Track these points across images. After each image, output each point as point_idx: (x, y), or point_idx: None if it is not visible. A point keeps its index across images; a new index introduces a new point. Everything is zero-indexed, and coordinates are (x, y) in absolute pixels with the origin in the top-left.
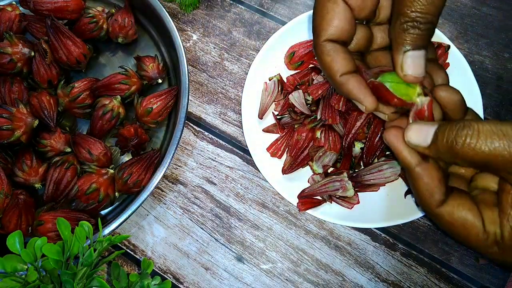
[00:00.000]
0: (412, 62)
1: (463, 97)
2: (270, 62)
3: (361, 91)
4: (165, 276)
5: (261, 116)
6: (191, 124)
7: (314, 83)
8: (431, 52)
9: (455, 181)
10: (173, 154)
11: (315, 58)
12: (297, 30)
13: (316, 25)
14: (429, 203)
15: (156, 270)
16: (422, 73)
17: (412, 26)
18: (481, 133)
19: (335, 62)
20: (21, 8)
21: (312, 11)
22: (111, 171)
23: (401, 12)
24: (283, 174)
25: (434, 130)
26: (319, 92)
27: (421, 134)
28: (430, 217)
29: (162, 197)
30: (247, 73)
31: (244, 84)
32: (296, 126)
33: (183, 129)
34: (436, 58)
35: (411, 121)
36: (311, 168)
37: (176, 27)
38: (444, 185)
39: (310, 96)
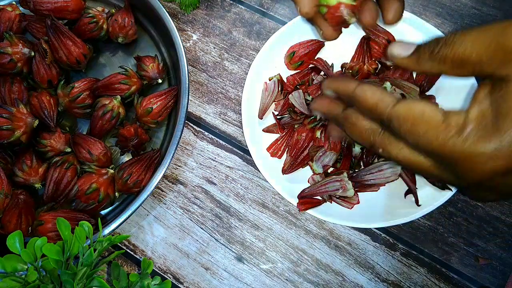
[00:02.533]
0: (395, 12)
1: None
2: (270, 62)
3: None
4: (165, 276)
5: (261, 116)
6: (191, 124)
7: (314, 83)
8: None
9: None
10: (173, 154)
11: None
12: (297, 30)
13: None
14: (383, 106)
15: (156, 270)
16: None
17: None
18: (456, 38)
19: None
20: (21, 8)
21: None
22: (111, 171)
23: None
24: (283, 174)
25: (415, 45)
26: (319, 92)
27: (403, 46)
28: (388, 127)
29: (162, 197)
30: (247, 73)
31: (244, 84)
32: (296, 126)
33: (183, 129)
34: None
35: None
36: (311, 168)
37: (176, 27)
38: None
39: (310, 96)
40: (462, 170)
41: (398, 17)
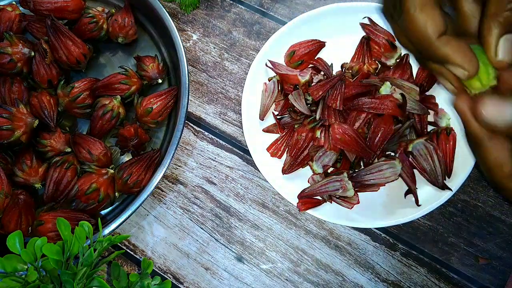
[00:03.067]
0: (509, 47)
1: None
2: None
3: (465, 54)
4: (165, 276)
5: (262, 117)
6: (191, 124)
7: (314, 83)
8: None
9: None
10: (173, 154)
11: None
12: (297, 30)
13: None
14: (499, 175)
15: (156, 270)
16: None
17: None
18: None
19: (432, 21)
20: (21, 8)
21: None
22: (111, 171)
23: None
24: (283, 174)
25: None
26: (320, 93)
27: (498, 111)
28: (498, 190)
29: (162, 197)
30: (247, 73)
31: (244, 84)
32: (296, 126)
33: (183, 129)
34: None
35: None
36: (311, 168)
37: (176, 27)
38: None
39: (310, 96)
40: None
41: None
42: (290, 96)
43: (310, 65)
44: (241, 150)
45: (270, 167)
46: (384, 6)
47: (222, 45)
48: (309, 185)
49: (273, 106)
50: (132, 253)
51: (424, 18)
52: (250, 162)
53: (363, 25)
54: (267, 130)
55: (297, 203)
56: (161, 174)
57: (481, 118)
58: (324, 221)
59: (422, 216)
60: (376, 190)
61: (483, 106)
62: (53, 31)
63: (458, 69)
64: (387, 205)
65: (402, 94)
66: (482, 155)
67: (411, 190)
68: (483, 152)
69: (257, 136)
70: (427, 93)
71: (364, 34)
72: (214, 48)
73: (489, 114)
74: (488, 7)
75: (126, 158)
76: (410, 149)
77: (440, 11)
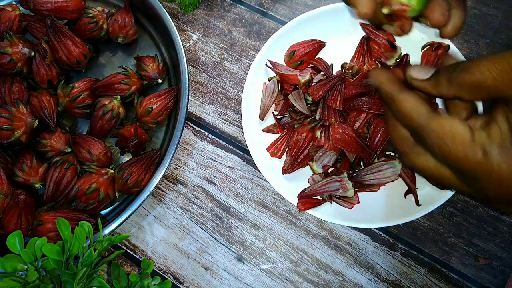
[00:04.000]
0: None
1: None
2: None
3: None
4: (165, 276)
5: (262, 117)
6: (191, 124)
7: (314, 83)
8: None
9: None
10: (173, 154)
11: None
12: (297, 30)
13: None
14: (418, 116)
15: (156, 270)
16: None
17: None
18: (475, 63)
19: None
20: (21, 8)
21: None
22: (111, 171)
23: None
24: (283, 174)
25: (434, 69)
26: (320, 93)
27: (422, 70)
28: (418, 137)
29: (162, 197)
30: (247, 73)
31: (244, 84)
32: (296, 126)
33: (183, 129)
34: None
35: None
36: (311, 168)
37: (176, 27)
38: (429, 104)
39: (310, 96)
40: (486, 186)
41: (458, 30)
42: (290, 96)
43: (310, 65)
44: (241, 150)
45: (270, 167)
46: None
47: (222, 45)
48: (309, 185)
49: (273, 106)
50: (132, 253)
51: None
52: (250, 162)
53: (363, 25)
54: (267, 130)
55: (297, 203)
56: (161, 174)
57: (408, 76)
58: (324, 221)
59: (422, 216)
60: (376, 190)
61: (409, 69)
62: (53, 31)
63: (356, 11)
64: (387, 205)
65: None
66: (398, 107)
67: (411, 190)
68: (397, 105)
69: (257, 136)
70: None
71: (364, 34)
72: (214, 48)
73: (413, 72)
74: None
75: (126, 158)
76: None
77: None
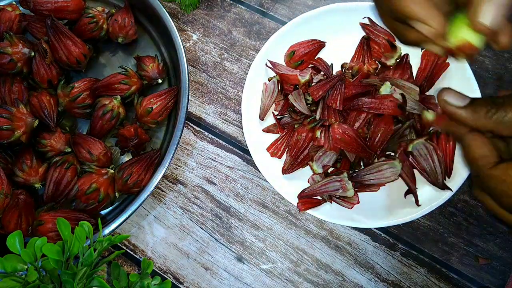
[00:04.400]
0: (493, 13)
1: None
2: None
3: (429, 9)
4: (165, 276)
5: (262, 117)
6: (191, 124)
7: (314, 83)
8: None
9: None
10: (173, 154)
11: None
12: (297, 30)
13: None
14: (482, 164)
15: (156, 270)
16: (496, 26)
17: None
18: None
19: None
20: (21, 8)
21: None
22: (111, 171)
23: None
24: (283, 174)
25: (469, 98)
26: (320, 93)
27: (458, 97)
28: (481, 181)
29: (162, 197)
30: (247, 73)
31: (244, 84)
32: (296, 126)
33: (183, 129)
34: None
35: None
36: (311, 168)
37: (176, 27)
38: (496, 151)
39: (310, 96)
40: None
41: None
42: (290, 96)
43: (310, 65)
44: (241, 150)
45: (270, 167)
46: None
47: (222, 45)
48: (309, 185)
49: (273, 106)
50: (132, 253)
51: None
52: (250, 162)
53: (363, 25)
54: (267, 130)
55: (297, 203)
56: (161, 174)
57: (444, 99)
58: (324, 221)
59: (422, 216)
60: (376, 190)
61: (444, 94)
62: (53, 31)
63: (423, 26)
64: (387, 205)
65: (402, 94)
66: (467, 148)
67: (411, 190)
68: (466, 144)
69: (257, 136)
70: (427, 93)
71: (364, 34)
72: (214, 48)
73: (449, 97)
74: None
75: (126, 158)
76: (410, 149)
77: None
